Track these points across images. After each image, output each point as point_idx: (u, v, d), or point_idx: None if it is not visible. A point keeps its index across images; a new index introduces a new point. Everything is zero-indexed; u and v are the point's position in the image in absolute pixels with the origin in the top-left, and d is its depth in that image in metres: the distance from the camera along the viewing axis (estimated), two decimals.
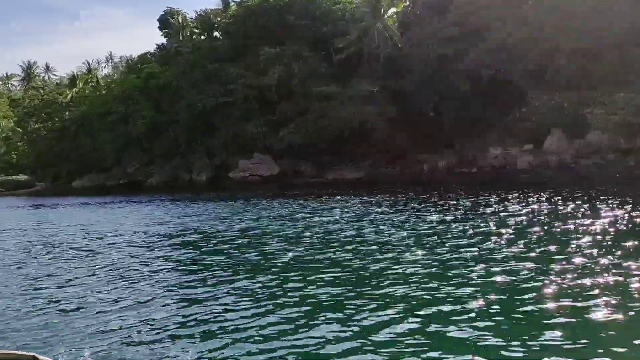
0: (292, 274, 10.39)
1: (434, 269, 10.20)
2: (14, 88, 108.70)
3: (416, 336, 6.37)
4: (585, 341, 5.96)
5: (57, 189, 66.39)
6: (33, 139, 67.92)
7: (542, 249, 11.64)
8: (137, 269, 11.64)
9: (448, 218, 17.67)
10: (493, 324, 6.72)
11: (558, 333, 6.29)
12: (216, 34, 61.18)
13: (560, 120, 34.14)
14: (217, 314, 7.75)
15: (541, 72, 34.23)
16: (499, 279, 9.02)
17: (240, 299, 8.51)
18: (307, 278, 9.86)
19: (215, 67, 48.23)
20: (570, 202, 20.26)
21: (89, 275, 11.14)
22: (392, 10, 45.70)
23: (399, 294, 8.38)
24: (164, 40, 67.52)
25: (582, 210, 18.05)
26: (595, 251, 10.86)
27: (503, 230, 14.35)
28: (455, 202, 22.35)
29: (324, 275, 10.02)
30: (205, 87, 48.55)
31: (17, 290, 9.86)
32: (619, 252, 10.64)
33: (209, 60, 49.02)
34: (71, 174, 66.19)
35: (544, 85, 35.05)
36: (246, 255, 12.88)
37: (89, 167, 63.21)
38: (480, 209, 19.71)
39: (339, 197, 28.31)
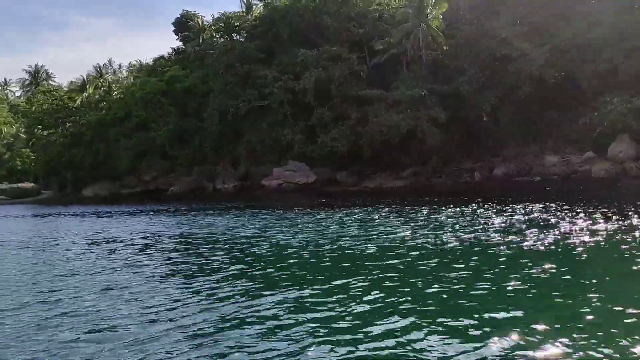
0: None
1: None
2: (12, 95, 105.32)
3: None
4: None
5: (66, 197, 63.40)
6: (43, 144, 64.50)
7: None
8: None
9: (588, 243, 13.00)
10: None
11: None
12: (237, 37, 58.19)
13: (630, 125, 31.51)
14: None
15: (613, 74, 31.64)
16: None
17: None
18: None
19: (248, 69, 45.18)
20: None
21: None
22: (435, 11, 42.77)
23: None
24: (178, 44, 64.66)
25: None
26: None
27: None
28: (560, 217, 18.52)
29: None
30: (239, 91, 45.46)
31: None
32: None
33: (242, 62, 45.88)
34: (81, 182, 63.73)
35: (613, 88, 32.46)
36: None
37: (101, 175, 60.79)
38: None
39: (393, 207, 24.97)
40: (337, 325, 7.36)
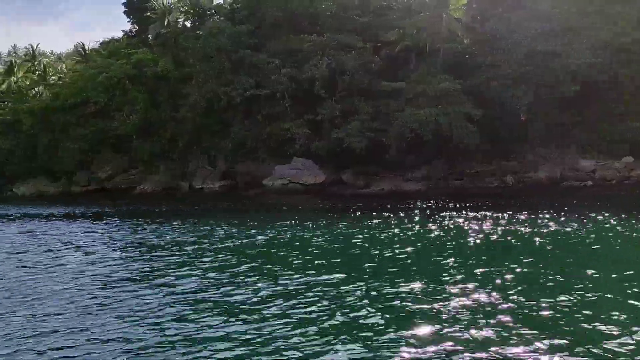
0: None
1: None
2: None
3: None
4: None
5: None
6: None
7: None
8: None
9: None
10: None
11: None
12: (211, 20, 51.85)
13: None
14: None
15: None
16: None
17: None
18: None
19: (244, 54, 39.51)
20: None
21: None
22: (457, 2, 39.75)
23: None
24: (128, 26, 57.10)
25: None
26: None
27: None
28: None
29: None
30: (231, 77, 39.67)
31: None
32: None
33: (234, 47, 40.18)
34: (9, 178, 54.37)
35: None
36: None
37: (38, 170, 52.51)
38: None
39: (441, 216, 21.69)
40: None
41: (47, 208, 37.76)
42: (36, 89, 59.61)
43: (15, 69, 62.85)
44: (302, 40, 41.19)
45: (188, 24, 55.69)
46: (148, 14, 53.71)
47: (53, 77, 61.63)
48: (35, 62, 62.95)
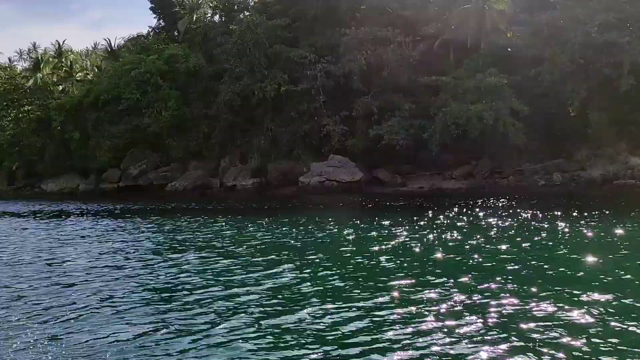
0: None
1: None
2: None
3: None
4: None
5: (19, 193, 53.62)
6: None
7: None
8: None
9: None
10: None
11: None
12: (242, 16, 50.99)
13: None
14: None
15: None
16: None
17: None
18: None
19: (279, 49, 38.63)
20: None
21: None
22: None
23: None
24: (155, 23, 56.46)
25: None
26: None
27: None
28: None
29: None
30: (266, 73, 38.80)
31: None
32: None
33: (269, 42, 39.34)
34: (40, 174, 55.13)
35: None
36: None
37: (67, 167, 52.59)
38: None
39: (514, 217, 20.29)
40: None
41: (77, 205, 37.66)
42: (63, 86, 59.43)
43: (42, 66, 62.58)
44: (339, 34, 40.13)
45: (216, 18, 55.09)
46: (176, 9, 53.14)
47: (79, 74, 61.35)
48: (62, 59, 62.63)
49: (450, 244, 14.55)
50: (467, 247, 13.91)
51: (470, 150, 37.14)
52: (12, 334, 7.57)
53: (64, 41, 64.71)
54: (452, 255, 12.76)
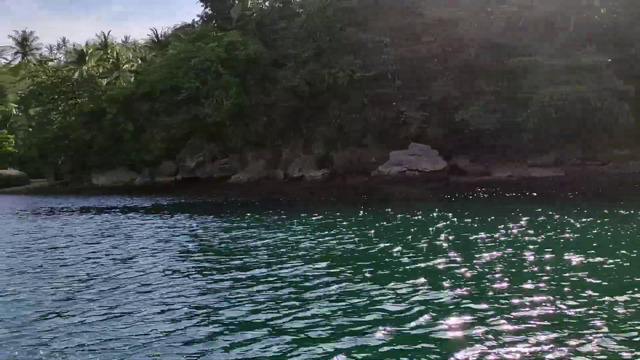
0: None
1: None
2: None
3: None
4: None
5: (67, 187, 53.14)
6: (39, 124, 54.80)
7: None
8: None
9: None
10: None
11: None
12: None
13: None
14: None
15: None
16: None
17: None
18: None
19: (349, 32, 36.49)
20: None
21: None
22: None
23: None
24: (203, 10, 54.44)
25: None
26: None
27: None
28: None
29: None
30: (336, 58, 36.68)
31: None
32: None
33: (340, 25, 37.23)
34: (88, 168, 53.80)
35: None
36: None
37: (119, 160, 51.10)
38: None
39: None
40: None
41: (131, 199, 37.12)
42: (109, 77, 57.95)
43: (87, 58, 61.20)
44: (412, 14, 37.84)
45: (270, 4, 52.96)
46: None
47: (126, 65, 59.84)
48: (108, 50, 61.15)
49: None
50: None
51: (556, 136, 34.66)
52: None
53: (109, 32, 63.52)
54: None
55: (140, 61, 61.18)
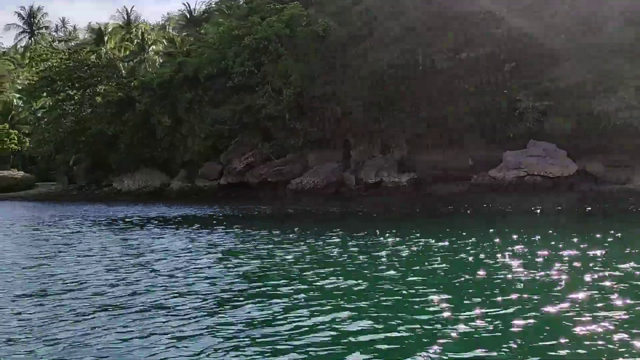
0: None
1: None
2: None
3: None
4: None
5: (84, 193, 53.24)
6: (56, 116, 55.02)
7: None
8: None
9: None
10: None
11: None
12: None
13: None
14: None
15: None
16: None
17: None
18: None
19: (450, 3, 35.12)
20: None
21: None
22: None
23: None
24: None
25: None
26: None
27: None
28: None
29: None
30: (432, 36, 35.45)
31: None
32: None
33: None
34: (109, 170, 53.98)
35: None
36: None
37: (149, 160, 51.17)
38: None
39: None
40: None
41: (167, 207, 36.30)
42: (134, 61, 57.75)
43: (106, 39, 61.14)
44: None
45: None
46: None
47: (153, 47, 59.60)
48: (133, 29, 61.09)
49: None
50: None
51: None
52: None
53: (132, 8, 63.44)
54: None
55: (167, 43, 61.03)
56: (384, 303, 9.42)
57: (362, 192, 39.63)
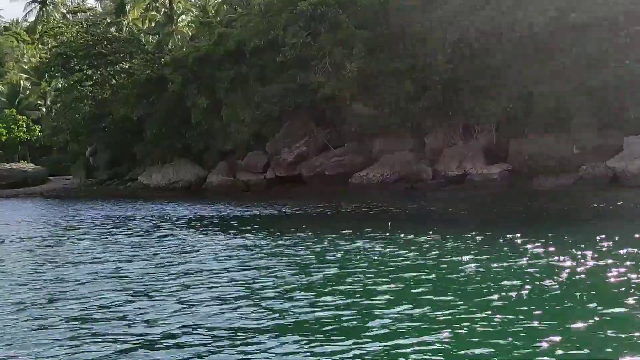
0: None
1: None
2: None
3: None
4: None
5: (106, 189, 52.40)
6: (74, 99, 53.52)
7: None
8: None
9: None
10: None
11: None
12: None
13: None
14: None
15: None
16: None
17: None
18: None
19: None
20: None
21: None
22: None
23: None
24: None
25: None
26: None
27: None
28: None
29: None
30: None
31: None
32: None
33: None
34: (136, 161, 53.96)
35: None
36: None
37: (180, 150, 50.20)
38: None
39: None
40: None
41: (210, 205, 34.56)
42: (160, 33, 56.38)
43: (128, 8, 59.93)
44: None
45: None
46: None
47: (183, 17, 58.22)
48: None
49: None
50: None
51: None
52: None
53: None
54: None
55: (199, 12, 59.53)
56: None
57: (442, 187, 37.50)
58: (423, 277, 12.19)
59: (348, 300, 10.36)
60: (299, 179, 43.44)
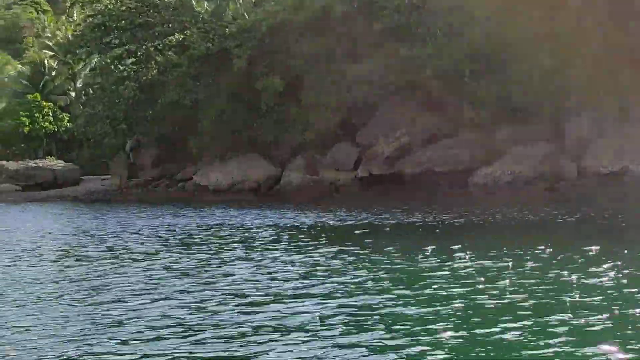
0: None
1: None
2: None
3: None
4: None
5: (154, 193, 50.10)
6: (114, 81, 50.96)
7: None
8: None
9: None
10: None
11: None
12: None
13: None
14: None
15: None
16: None
17: None
18: None
19: None
20: None
21: None
22: None
23: None
24: None
25: None
26: None
27: None
28: None
29: None
30: None
31: None
32: None
33: None
34: (187, 158, 51.41)
35: None
36: None
37: (248, 144, 47.88)
38: None
39: None
40: None
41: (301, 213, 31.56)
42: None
43: None
44: None
45: None
46: None
47: None
48: None
49: None
50: None
51: None
52: None
53: None
54: None
55: None
56: None
57: (592, 187, 34.88)
58: None
59: None
60: (398, 178, 40.90)
